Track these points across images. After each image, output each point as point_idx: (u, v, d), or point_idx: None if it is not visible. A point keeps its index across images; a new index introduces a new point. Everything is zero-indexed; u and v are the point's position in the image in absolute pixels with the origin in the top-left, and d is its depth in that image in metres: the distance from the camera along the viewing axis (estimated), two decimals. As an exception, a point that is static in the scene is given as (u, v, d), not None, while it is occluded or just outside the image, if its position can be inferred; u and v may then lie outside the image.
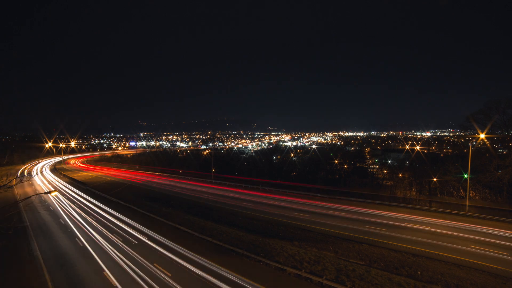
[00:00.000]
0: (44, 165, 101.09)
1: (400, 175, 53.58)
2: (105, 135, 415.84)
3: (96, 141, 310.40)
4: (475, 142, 54.94)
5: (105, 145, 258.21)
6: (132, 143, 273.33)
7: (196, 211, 37.11)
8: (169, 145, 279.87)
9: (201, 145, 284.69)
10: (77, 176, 71.27)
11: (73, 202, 41.96)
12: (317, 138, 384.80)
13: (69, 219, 32.92)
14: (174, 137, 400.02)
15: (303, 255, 21.48)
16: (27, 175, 73.19)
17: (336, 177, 66.62)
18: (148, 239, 25.95)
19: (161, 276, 18.87)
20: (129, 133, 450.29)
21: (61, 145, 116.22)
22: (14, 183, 56.56)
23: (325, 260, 20.61)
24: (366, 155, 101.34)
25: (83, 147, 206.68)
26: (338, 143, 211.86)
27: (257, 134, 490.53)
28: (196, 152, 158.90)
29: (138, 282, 18.18)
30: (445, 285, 17.75)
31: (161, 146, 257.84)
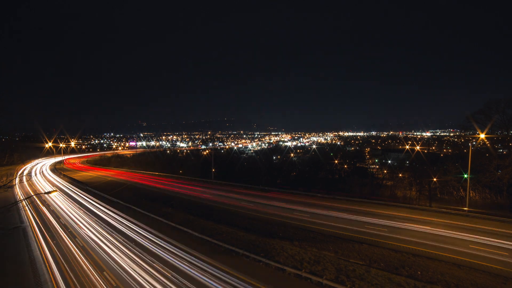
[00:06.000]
0: (44, 165, 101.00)
1: (400, 175, 53.52)
2: (105, 135, 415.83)
3: (96, 141, 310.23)
4: (475, 142, 54.95)
5: (105, 145, 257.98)
6: (132, 143, 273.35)
7: (196, 211, 37.08)
8: (169, 145, 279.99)
9: (201, 145, 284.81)
10: (77, 176, 71.26)
11: (73, 202, 41.96)
12: (317, 138, 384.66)
13: (69, 219, 32.94)
14: (174, 137, 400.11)
15: (303, 255, 21.49)
16: (27, 175, 73.15)
17: (336, 177, 66.60)
18: (148, 239, 25.98)
19: (162, 276, 18.91)
20: (129, 133, 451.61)
21: (61, 145, 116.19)
22: (14, 183, 56.76)
23: (325, 260, 20.62)
24: (366, 155, 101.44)
25: (83, 147, 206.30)
26: (338, 143, 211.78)
27: (257, 134, 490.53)
28: (196, 152, 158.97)
29: (138, 282, 18.23)
30: (445, 285, 17.74)
31: (161, 146, 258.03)
